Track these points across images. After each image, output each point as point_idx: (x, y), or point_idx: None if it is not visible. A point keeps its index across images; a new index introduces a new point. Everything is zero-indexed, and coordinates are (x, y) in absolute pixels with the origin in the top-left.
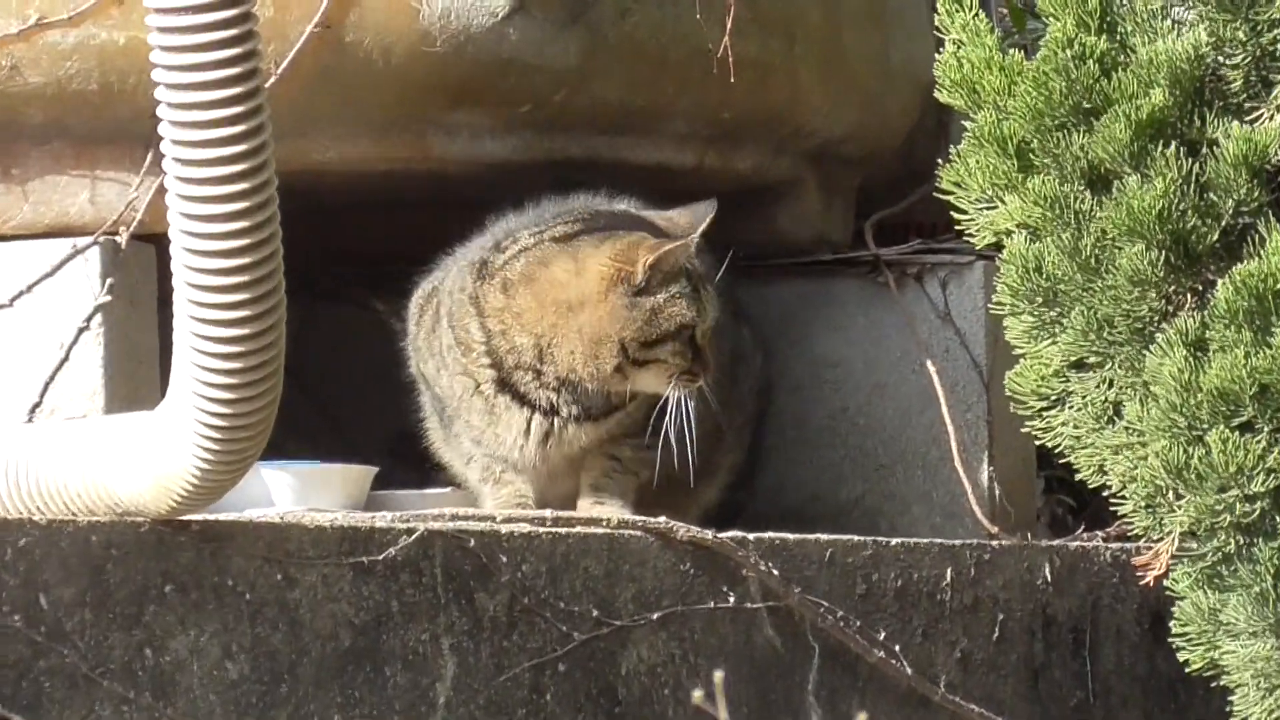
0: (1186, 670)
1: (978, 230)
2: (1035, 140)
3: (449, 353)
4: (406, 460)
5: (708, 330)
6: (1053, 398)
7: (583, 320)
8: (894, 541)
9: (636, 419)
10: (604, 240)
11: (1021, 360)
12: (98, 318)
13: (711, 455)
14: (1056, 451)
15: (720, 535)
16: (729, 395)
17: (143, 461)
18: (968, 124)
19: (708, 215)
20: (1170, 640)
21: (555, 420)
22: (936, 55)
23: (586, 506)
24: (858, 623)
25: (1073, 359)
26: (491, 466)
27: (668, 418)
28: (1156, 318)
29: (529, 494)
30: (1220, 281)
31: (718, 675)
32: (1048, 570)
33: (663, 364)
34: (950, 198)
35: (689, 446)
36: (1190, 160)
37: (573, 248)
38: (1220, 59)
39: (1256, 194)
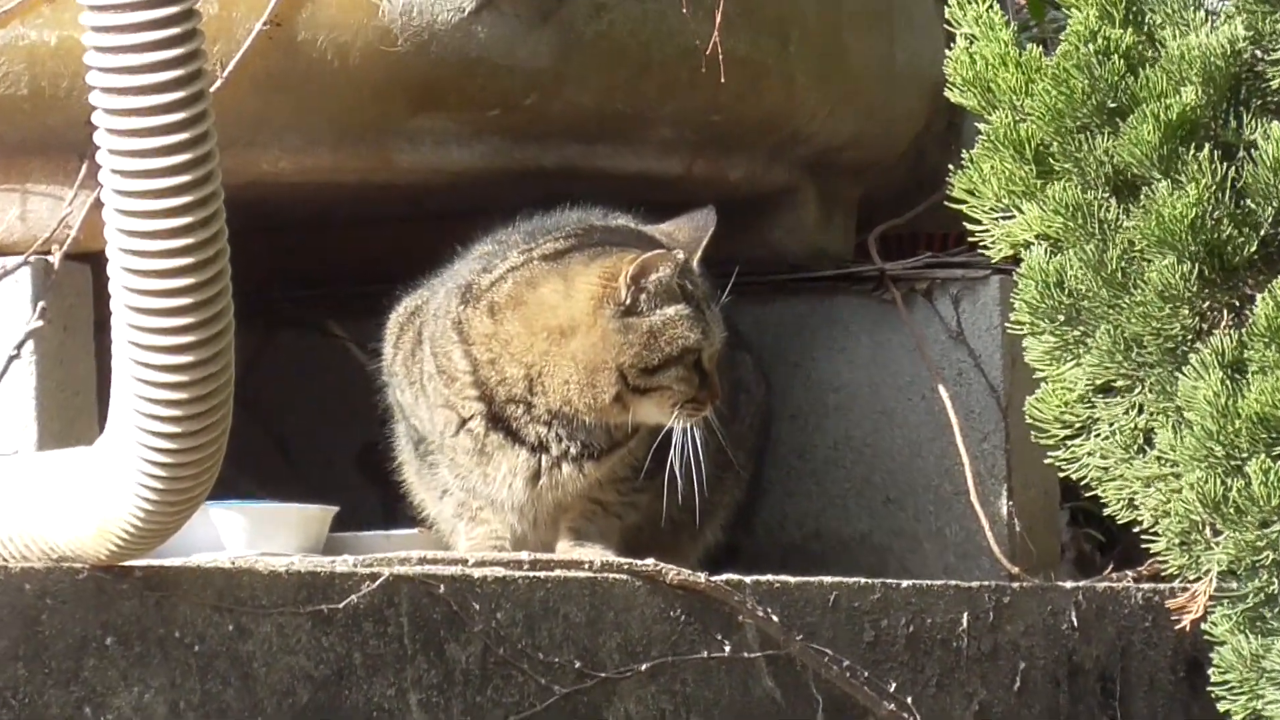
0: None
1: (993, 242)
2: (1055, 143)
3: (430, 382)
4: (372, 476)
5: (715, 354)
6: (1077, 425)
7: (575, 346)
8: (904, 583)
9: (638, 456)
10: (595, 258)
11: (1042, 384)
12: (29, 344)
13: (714, 493)
14: (1082, 484)
15: (714, 578)
16: (730, 428)
17: (80, 502)
18: (981, 126)
19: (708, 228)
20: (1209, 690)
21: (543, 458)
22: (947, 52)
23: (565, 549)
24: (865, 673)
25: (1099, 382)
26: (469, 503)
27: (673, 450)
28: (1190, 336)
29: (506, 535)
30: (1259, 296)
31: None
32: (1073, 614)
33: (666, 391)
34: (963, 207)
35: (697, 482)
36: (1225, 164)
37: (562, 266)
38: (1259, 54)
39: None
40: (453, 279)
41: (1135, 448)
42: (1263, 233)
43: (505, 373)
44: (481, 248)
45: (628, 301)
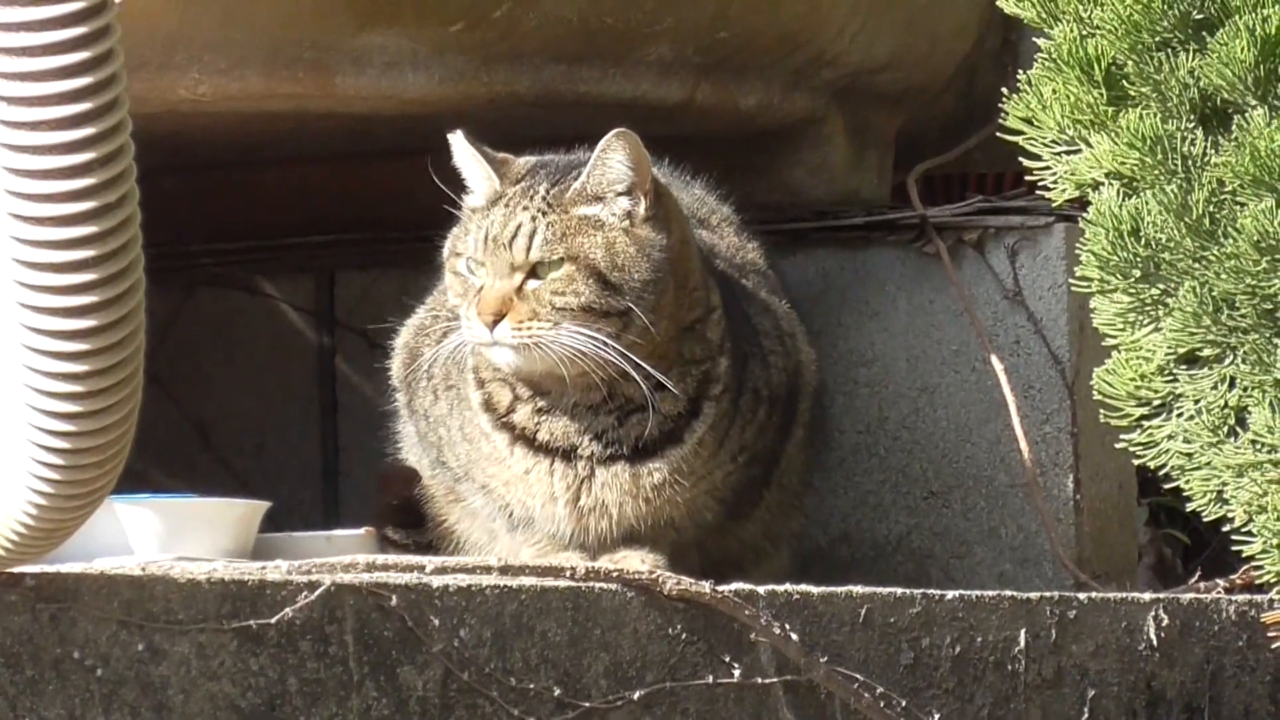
0: None
1: (1055, 182)
2: (1130, 62)
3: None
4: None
5: (475, 263)
6: (1156, 402)
7: None
8: (950, 595)
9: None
10: None
11: (1115, 353)
12: None
13: (785, 519)
14: (1162, 473)
15: (721, 588)
16: (794, 433)
17: None
18: (1042, 43)
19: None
20: None
21: (578, 465)
22: None
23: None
24: (903, 702)
25: (1182, 351)
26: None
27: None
28: None
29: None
30: None
31: None
32: (1152, 630)
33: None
34: (1019, 140)
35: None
36: None
37: None
38: None
39: None
40: None
41: (1225, 429)
42: None
43: None
44: None
45: None
